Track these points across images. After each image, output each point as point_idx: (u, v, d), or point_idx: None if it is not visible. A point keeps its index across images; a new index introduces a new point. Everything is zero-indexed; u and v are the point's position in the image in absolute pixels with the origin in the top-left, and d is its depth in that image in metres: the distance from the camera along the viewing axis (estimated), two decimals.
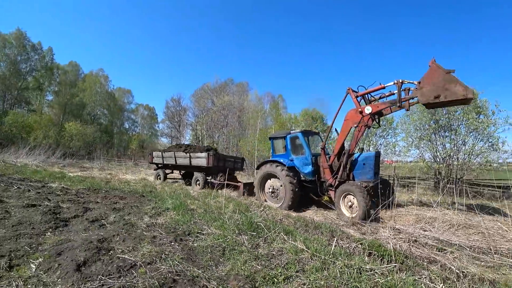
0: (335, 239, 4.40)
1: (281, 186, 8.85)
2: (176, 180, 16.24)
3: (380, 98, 7.66)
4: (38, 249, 3.85)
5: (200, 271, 3.23)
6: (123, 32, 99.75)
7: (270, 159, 9.88)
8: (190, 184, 14.03)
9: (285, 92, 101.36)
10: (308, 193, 9.10)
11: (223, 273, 3.26)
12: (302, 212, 8.60)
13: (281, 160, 9.15)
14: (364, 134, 8.02)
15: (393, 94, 7.26)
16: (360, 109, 7.48)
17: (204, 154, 12.95)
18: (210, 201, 7.80)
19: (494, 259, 4.77)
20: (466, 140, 15.10)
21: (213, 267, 3.44)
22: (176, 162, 14.51)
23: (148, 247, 3.96)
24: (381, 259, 3.95)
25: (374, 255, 4.10)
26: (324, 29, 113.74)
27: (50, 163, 21.87)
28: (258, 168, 10.04)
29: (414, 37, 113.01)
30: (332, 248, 3.89)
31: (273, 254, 3.85)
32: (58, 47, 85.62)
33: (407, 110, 7.05)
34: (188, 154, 13.76)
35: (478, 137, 14.75)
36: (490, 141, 14.41)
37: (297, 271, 3.30)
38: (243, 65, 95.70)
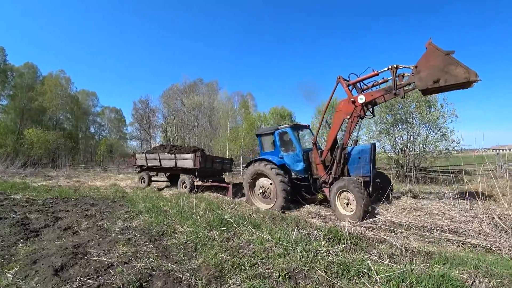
0: (296, 228, 4.90)
1: (272, 184, 8.35)
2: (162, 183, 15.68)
3: (373, 86, 7.16)
4: (11, 260, 3.95)
5: (174, 266, 3.55)
6: (85, 31, 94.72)
7: (259, 157, 9.21)
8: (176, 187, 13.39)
9: (255, 90, 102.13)
10: (301, 191, 8.60)
11: (195, 266, 3.61)
12: (295, 211, 8.05)
13: (271, 158, 8.52)
14: (357, 125, 7.44)
15: (387, 81, 6.88)
16: (352, 99, 6.96)
17: (190, 155, 12.22)
18: (182, 202, 8.04)
19: (435, 235, 5.53)
20: (420, 132, 16.56)
21: (186, 261, 3.78)
22: (160, 164, 13.79)
23: (124, 249, 4.20)
24: (338, 243, 4.48)
25: (332, 239, 4.63)
26: (292, 25, 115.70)
27: (9, 173, 20.64)
28: (246, 167, 9.40)
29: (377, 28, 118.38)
30: (294, 236, 4.37)
31: (242, 246, 4.25)
32: (11, 47, 79.43)
33: (402, 97, 6.61)
34: (173, 155, 13.04)
35: (431, 128, 16.29)
36: (441, 131, 15.96)
37: (262, 258, 3.72)
38: (212, 64, 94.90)
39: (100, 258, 3.82)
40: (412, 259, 3.93)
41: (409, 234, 5.58)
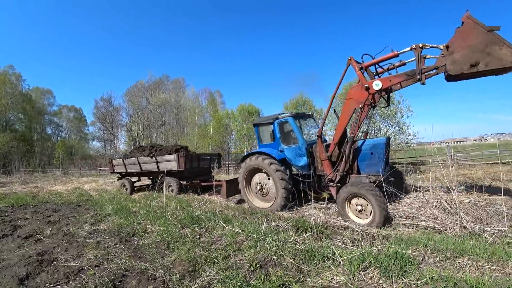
0: (265, 220, 5.12)
1: (270, 181, 7.60)
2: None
3: (388, 69, 6.29)
4: None
5: (147, 264, 3.60)
6: (37, 22, 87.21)
7: (256, 150, 8.28)
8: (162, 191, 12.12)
9: (224, 88, 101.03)
10: (303, 188, 7.65)
11: (168, 263, 3.69)
12: (296, 212, 7.07)
13: (269, 152, 7.60)
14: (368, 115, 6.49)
15: (404, 64, 6.02)
16: (366, 85, 5.95)
17: (173, 156, 11.15)
18: (152, 202, 7.95)
19: (393, 220, 6.05)
20: (380, 126, 17.66)
21: (159, 259, 3.83)
22: (141, 169, 12.50)
23: (93, 252, 4.14)
24: (305, 232, 4.76)
25: (300, 229, 4.90)
26: (261, 20, 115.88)
27: None
28: (242, 161, 8.40)
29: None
30: (263, 228, 4.59)
31: (214, 241, 4.39)
32: None
33: (422, 83, 5.60)
34: (154, 158, 11.86)
35: (389, 123, 17.42)
36: (398, 126, 17.17)
37: (234, 251, 3.89)
38: (178, 61, 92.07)
39: (68, 264, 3.76)
40: (372, 242, 4.31)
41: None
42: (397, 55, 5.80)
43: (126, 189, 13.06)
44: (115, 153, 43.96)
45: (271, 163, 7.31)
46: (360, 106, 6.10)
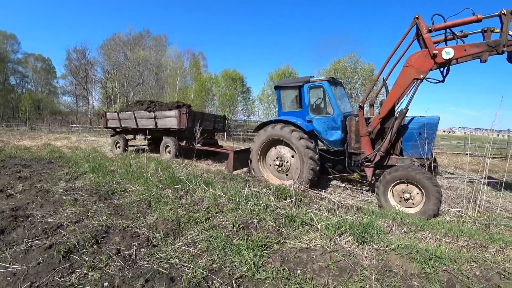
0: (247, 185, 5.24)
1: (293, 157, 6.67)
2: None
3: (445, 39, 5.44)
4: None
5: (129, 222, 3.62)
6: None
7: (277, 118, 7.13)
8: (159, 152, 11.09)
9: (207, 50, 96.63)
10: (328, 167, 6.97)
11: (151, 221, 3.73)
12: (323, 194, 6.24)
13: (297, 122, 6.55)
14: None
15: (466, 35, 5.30)
16: (435, 51, 5.03)
17: (174, 113, 10.15)
18: (130, 161, 7.81)
19: (367, 196, 6.40)
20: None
21: (141, 218, 3.86)
22: (137, 125, 11.49)
23: (72, 209, 4.07)
24: (285, 199, 4.94)
25: (280, 196, 5.08)
26: None
27: None
28: (258, 129, 7.31)
29: None
30: (245, 193, 4.70)
31: (196, 202, 4.45)
32: None
33: (483, 61, 4.88)
34: (152, 113, 10.85)
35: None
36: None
37: (216, 213, 3.98)
38: (160, 15, 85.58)
39: (46, 220, 3.67)
40: (346, 212, 4.58)
41: (344, 196, 6.39)
42: (479, 20, 4.84)
43: (119, 147, 12.26)
44: (88, 110, 41.93)
45: (300, 138, 6.30)
46: (422, 76, 5.25)
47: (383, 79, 6.12)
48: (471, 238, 3.47)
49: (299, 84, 6.91)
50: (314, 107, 7.07)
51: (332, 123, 6.56)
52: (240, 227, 3.46)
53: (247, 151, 7.69)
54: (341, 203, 5.31)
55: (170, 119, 10.33)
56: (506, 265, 2.81)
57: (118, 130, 12.86)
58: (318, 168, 6.35)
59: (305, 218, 3.80)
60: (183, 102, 12.49)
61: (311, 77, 6.89)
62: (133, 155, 8.96)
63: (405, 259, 2.84)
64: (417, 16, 5.30)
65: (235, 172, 7.89)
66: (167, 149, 10.48)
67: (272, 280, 2.46)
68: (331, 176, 7.52)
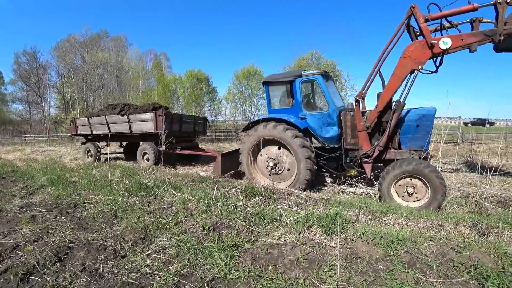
0: (216, 186, 5.25)
1: (287, 157, 6.36)
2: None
3: (441, 29, 5.42)
4: None
5: (95, 235, 3.48)
6: None
7: (269, 115, 6.67)
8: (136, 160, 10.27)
9: (170, 51, 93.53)
10: (323, 165, 6.62)
11: (118, 232, 3.61)
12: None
13: (290, 119, 6.22)
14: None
15: (456, 25, 5.25)
16: (433, 41, 5.00)
17: (149, 115, 9.44)
18: (93, 171, 7.45)
19: (333, 188, 6.68)
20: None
21: (108, 229, 3.73)
22: (110, 131, 10.57)
23: (29, 227, 3.82)
24: (254, 197, 5.01)
25: (249, 194, 5.13)
26: None
27: None
28: (247, 129, 6.86)
29: None
30: (214, 194, 4.70)
31: (164, 208, 4.38)
32: None
33: (472, 51, 4.93)
34: (126, 117, 9.97)
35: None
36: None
37: (186, 217, 3.95)
38: (119, 15, 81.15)
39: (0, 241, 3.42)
40: (314, 205, 4.74)
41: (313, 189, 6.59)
42: (475, 9, 4.83)
43: (90, 155, 11.27)
44: (44, 117, 39.01)
45: (295, 136, 5.98)
46: (420, 67, 5.17)
47: (379, 71, 5.89)
48: (429, 219, 3.76)
49: (290, 79, 6.54)
50: (307, 102, 6.74)
51: (327, 119, 6.30)
52: (210, 229, 3.47)
53: (235, 153, 7.28)
54: (310, 197, 5.49)
55: (145, 123, 9.64)
56: (459, 240, 3.08)
57: (89, 137, 11.90)
58: (315, 167, 6.07)
59: (274, 214, 3.89)
60: (160, 104, 11.78)
61: (302, 70, 6.64)
62: (96, 164, 8.54)
63: (370, 245, 3.01)
64: (413, 5, 5.16)
65: (214, 175, 7.45)
66: (145, 156, 9.81)
67: (243, 279, 2.51)
68: (324, 174, 7.36)
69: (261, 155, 6.66)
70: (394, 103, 5.49)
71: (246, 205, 4.28)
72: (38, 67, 40.53)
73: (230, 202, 4.27)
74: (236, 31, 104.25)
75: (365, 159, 5.83)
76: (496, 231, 3.34)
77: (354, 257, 2.82)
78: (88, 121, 11.23)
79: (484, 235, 3.31)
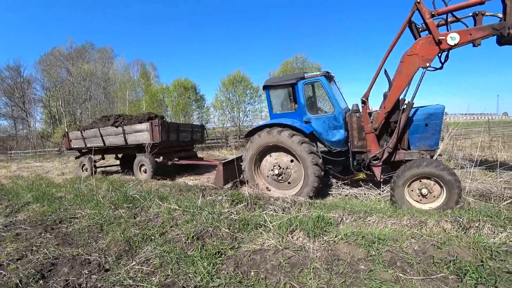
0: (201, 195, 5.30)
1: (293, 162, 6.10)
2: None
3: (451, 22, 5.16)
4: None
5: (79, 250, 3.49)
6: None
7: (272, 121, 6.40)
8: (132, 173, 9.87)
9: (157, 61, 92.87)
10: (329, 169, 6.35)
11: (103, 245, 3.63)
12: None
13: (295, 124, 5.94)
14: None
15: (459, 20, 5.05)
16: (441, 37, 4.83)
17: (145, 126, 9.04)
18: (80, 185, 7.40)
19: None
20: None
21: (93, 243, 3.74)
22: (104, 143, 10.18)
23: (13, 246, 3.82)
24: (240, 203, 5.07)
25: (235, 201, 5.19)
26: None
27: None
28: (249, 136, 6.56)
29: None
30: (199, 203, 4.76)
31: (150, 219, 4.41)
32: None
33: (476, 46, 4.79)
34: (120, 128, 9.60)
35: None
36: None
37: (171, 227, 4.00)
38: (105, 27, 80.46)
39: None
40: (299, 208, 4.82)
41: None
42: (482, 2, 4.67)
43: (86, 170, 10.78)
44: (30, 133, 38.24)
45: (302, 142, 5.70)
46: (428, 64, 4.98)
47: (384, 70, 5.58)
48: (413, 216, 3.82)
49: (292, 81, 6.25)
50: (311, 105, 6.51)
51: (333, 122, 6.03)
52: (195, 238, 3.52)
53: (236, 161, 6.98)
54: (295, 201, 5.53)
55: (141, 134, 9.26)
56: (440, 236, 3.17)
57: (83, 151, 11.51)
58: (322, 173, 5.80)
59: (258, 220, 3.96)
60: (155, 113, 11.48)
61: (304, 72, 6.46)
62: (83, 178, 8.48)
63: (352, 246, 3.08)
64: (418, 1, 4.95)
65: (216, 185, 7.23)
66: (142, 168, 9.41)
67: (225, 286, 2.57)
68: (331, 177, 7.20)
69: (265, 162, 6.40)
70: (405, 102, 5.31)
71: (231, 212, 4.34)
72: (22, 81, 39.71)
73: (215, 210, 4.34)
74: (223, 39, 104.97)
75: (374, 162, 5.61)
76: (477, 224, 3.39)
77: (335, 259, 2.88)
78: (82, 134, 10.87)
79: (465, 229, 3.36)
